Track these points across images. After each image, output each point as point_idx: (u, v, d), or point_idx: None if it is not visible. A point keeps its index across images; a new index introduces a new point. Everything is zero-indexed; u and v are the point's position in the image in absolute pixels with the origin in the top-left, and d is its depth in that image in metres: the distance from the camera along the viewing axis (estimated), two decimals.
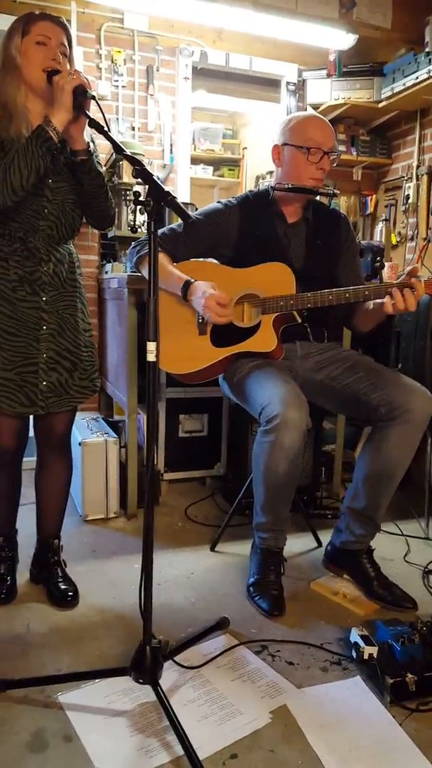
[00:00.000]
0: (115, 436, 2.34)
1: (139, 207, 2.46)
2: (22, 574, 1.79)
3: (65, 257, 1.57)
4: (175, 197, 1.14)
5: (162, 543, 2.12)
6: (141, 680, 1.27)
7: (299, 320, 1.77)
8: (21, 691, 1.31)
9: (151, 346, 1.21)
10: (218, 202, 1.91)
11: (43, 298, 1.52)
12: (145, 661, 1.26)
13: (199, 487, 2.67)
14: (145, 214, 1.15)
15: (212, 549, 2.08)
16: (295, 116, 1.83)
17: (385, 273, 2.75)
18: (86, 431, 2.37)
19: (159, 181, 1.17)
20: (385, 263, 2.80)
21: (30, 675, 1.36)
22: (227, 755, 1.18)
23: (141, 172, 1.16)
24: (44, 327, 1.53)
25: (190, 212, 1.93)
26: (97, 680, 1.36)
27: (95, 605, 1.70)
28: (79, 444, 2.25)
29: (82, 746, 1.18)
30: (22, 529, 1.81)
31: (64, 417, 1.66)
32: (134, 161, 1.18)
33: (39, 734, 1.21)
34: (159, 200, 1.13)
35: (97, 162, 1.53)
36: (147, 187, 1.15)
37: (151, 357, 1.21)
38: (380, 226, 3.20)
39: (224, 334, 1.78)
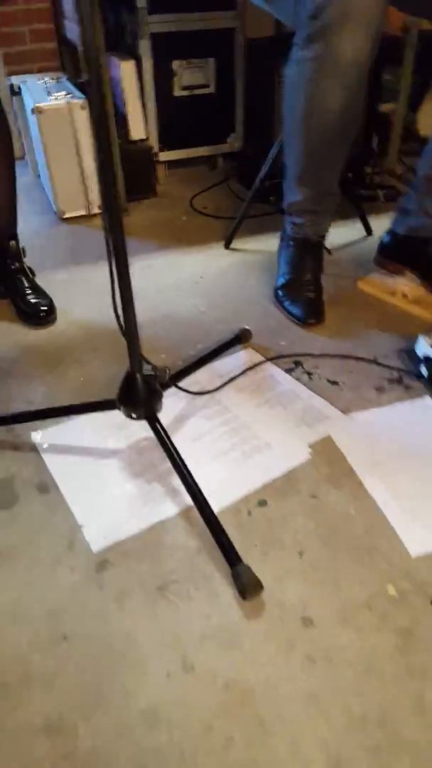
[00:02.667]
0: (84, 97, 1.65)
1: None
2: None
3: None
4: None
5: (162, 243, 1.64)
6: (134, 415, 0.92)
7: None
8: None
9: None
10: None
11: None
12: (137, 392, 0.89)
13: (208, 173, 2.07)
14: None
15: (227, 246, 1.60)
16: None
17: None
18: (42, 95, 1.67)
19: None
20: None
21: None
22: (254, 502, 0.89)
23: None
24: None
25: None
26: (80, 416, 1.03)
27: (78, 321, 1.31)
28: (32, 111, 1.60)
29: (60, 497, 0.89)
30: None
31: None
32: None
33: (4, 485, 0.91)
34: None
35: None
36: None
37: None
38: None
39: None
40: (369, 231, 1.61)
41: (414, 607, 0.74)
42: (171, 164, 2.01)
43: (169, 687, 0.67)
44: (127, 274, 0.78)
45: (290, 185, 1.22)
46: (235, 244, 1.61)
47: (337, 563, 0.80)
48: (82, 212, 1.76)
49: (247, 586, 0.75)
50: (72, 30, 1.95)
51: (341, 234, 1.62)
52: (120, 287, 0.79)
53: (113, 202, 0.71)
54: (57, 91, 1.70)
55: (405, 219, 1.31)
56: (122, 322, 0.82)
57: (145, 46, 1.73)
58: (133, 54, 1.76)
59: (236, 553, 0.78)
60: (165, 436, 0.90)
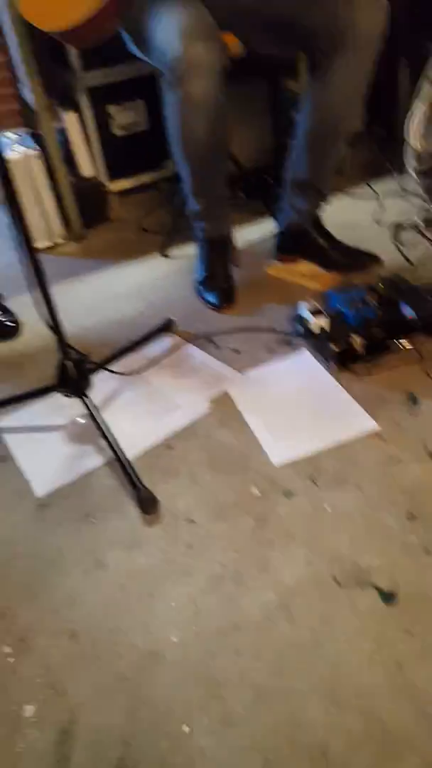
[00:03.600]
0: (38, 148, 1.95)
1: None
2: None
3: None
4: None
5: (114, 260, 1.91)
6: (68, 394, 1.19)
7: None
8: None
9: None
10: None
11: None
12: (68, 374, 1.16)
13: (156, 197, 2.34)
14: None
15: (163, 254, 1.87)
16: None
17: None
18: (5, 149, 1.98)
19: None
20: None
21: None
22: (163, 448, 1.14)
23: None
24: None
25: None
26: (32, 402, 1.30)
27: (39, 333, 1.58)
28: None
29: (14, 464, 1.16)
30: None
31: None
32: None
33: None
34: None
35: None
36: None
37: None
38: None
39: None
40: None
41: (270, 500, 0.98)
42: (123, 193, 2.29)
43: (86, 580, 0.92)
44: (43, 281, 1.06)
45: (188, 198, 1.48)
46: (172, 253, 1.87)
47: (218, 479, 1.04)
48: (47, 243, 2.06)
49: (145, 502, 1.00)
50: (21, 89, 2.27)
51: (257, 230, 1.86)
52: (41, 292, 1.07)
53: (26, 231, 1.00)
54: (18, 145, 2.01)
55: (282, 217, 1.57)
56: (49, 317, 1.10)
57: (83, 98, 2.03)
58: (74, 105, 2.06)
59: (139, 480, 1.03)
60: (92, 407, 1.16)
